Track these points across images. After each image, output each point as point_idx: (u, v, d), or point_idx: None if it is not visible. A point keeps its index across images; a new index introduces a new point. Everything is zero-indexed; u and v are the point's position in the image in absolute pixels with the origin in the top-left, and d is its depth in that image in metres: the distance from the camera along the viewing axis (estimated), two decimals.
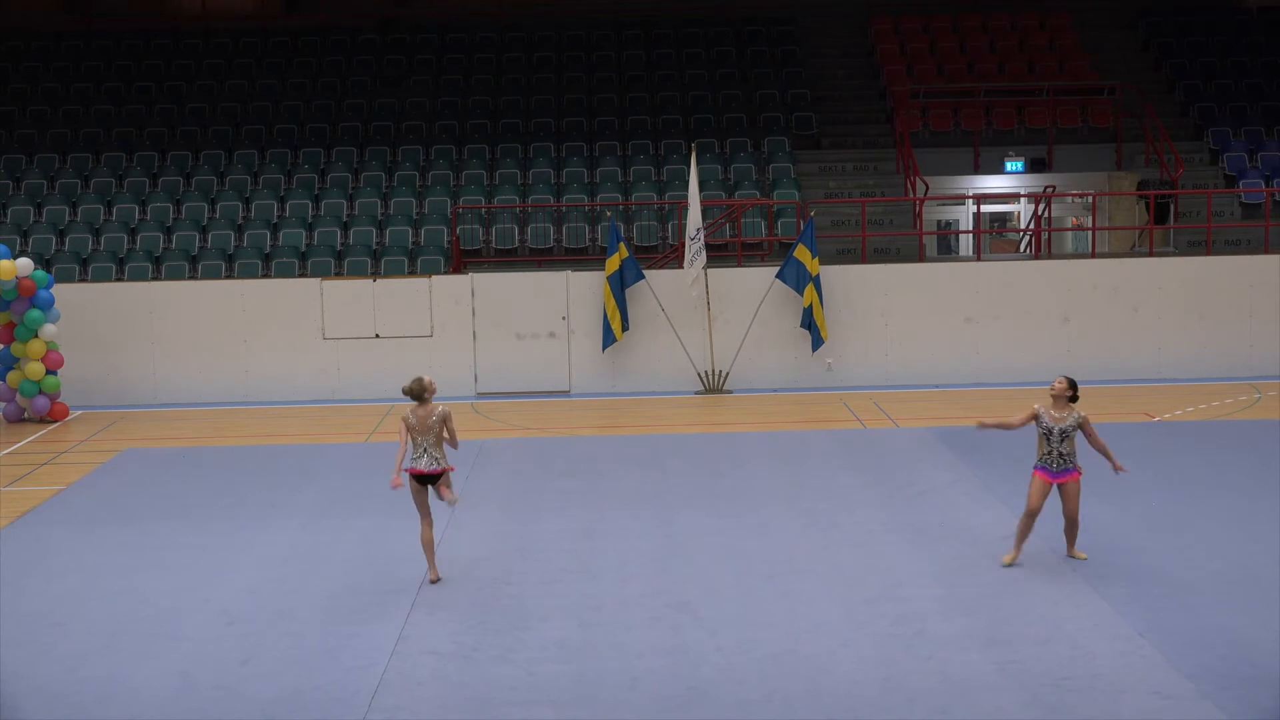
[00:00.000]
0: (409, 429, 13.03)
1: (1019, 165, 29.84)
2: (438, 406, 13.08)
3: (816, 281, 23.89)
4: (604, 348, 24.30)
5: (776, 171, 28.83)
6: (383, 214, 28.04)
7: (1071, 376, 13.43)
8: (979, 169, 29.93)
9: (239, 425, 22.40)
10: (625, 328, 24.11)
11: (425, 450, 13.02)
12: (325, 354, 24.42)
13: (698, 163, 24.95)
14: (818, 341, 24.12)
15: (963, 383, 24.39)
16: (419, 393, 13.05)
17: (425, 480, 13.06)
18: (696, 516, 15.65)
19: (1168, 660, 10.84)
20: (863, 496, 16.41)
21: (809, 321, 24.03)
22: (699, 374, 24.38)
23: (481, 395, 24.52)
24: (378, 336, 24.42)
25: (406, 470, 13.06)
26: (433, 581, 13.19)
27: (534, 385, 24.49)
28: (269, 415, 23.24)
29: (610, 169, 29.21)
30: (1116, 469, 13.34)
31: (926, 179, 27.45)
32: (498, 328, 24.49)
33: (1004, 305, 24.64)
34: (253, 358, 24.40)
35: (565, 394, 24.51)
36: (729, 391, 24.37)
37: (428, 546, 13.26)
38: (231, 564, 14.17)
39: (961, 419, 21.38)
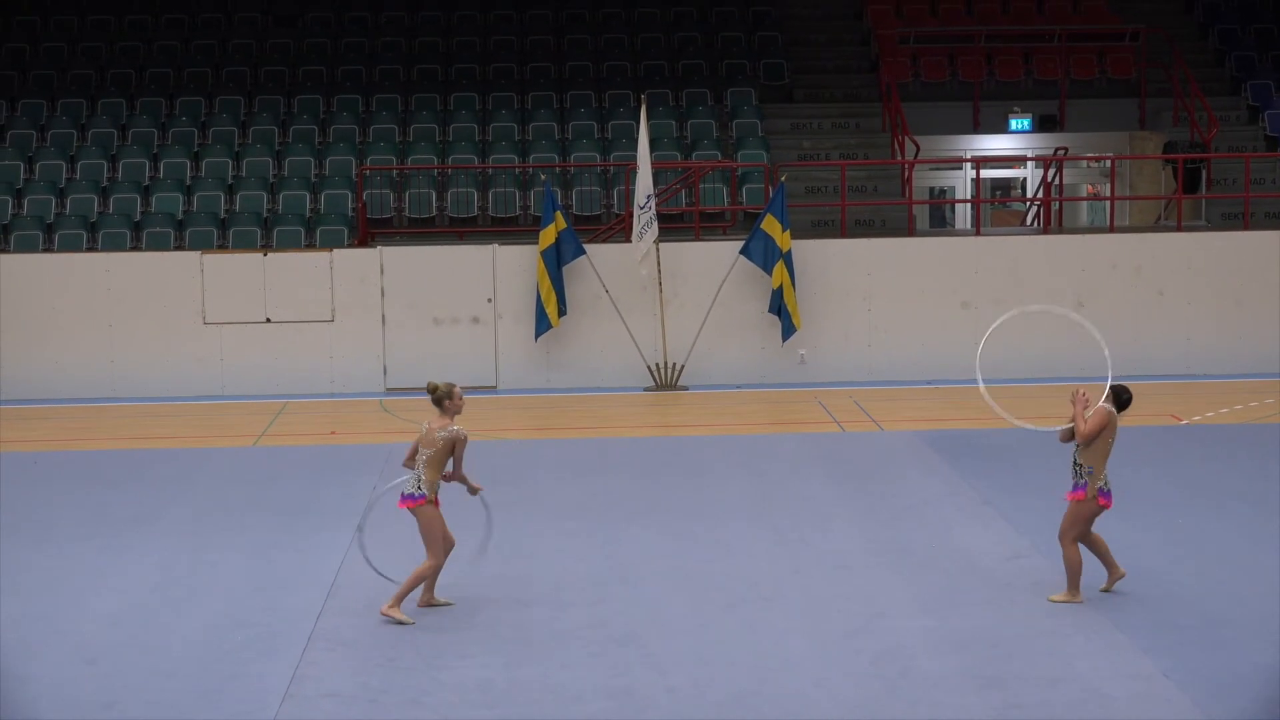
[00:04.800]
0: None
1: (1025, 123, 29.98)
2: (452, 424, 13.21)
3: (787, 258, 23.93)
4: (537, 336, 24.27)
5: (741, 129, 28.86)
6: (275, 176, 27.89)
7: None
8: (979, 127, 30.06)
9: (102, 426, 22.23)
10: (562, 312, 24.08)
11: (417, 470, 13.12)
12: (206, 341, 24.28)
13: (648, 118, 24.93)
14: (789, 329, 24.17)
15: (958, 378, 24.45)
16: (442, 397, 13.25)
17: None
18: (645, 535, 15.64)
19: (1195, 704, 10.91)
20: (840, 512, 16.44)
21: (778, 306, 24.06)
22: (649, 367, 24.38)
23: (391, 391, 24.45)
24: (269, 321, 24.30)
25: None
26: (392, 617, 13.07)
27: (454, 379, 24.26)
28: (138, 414, 23.08)
29: (545, 124, 29.15)
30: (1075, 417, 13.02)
31: (917, 139, 27.53)
32: (411, 311, 24.42)
33: (1007, 288, 24.74)
34: (119, 346, 24.24)
35: (491, 390, 24.46)
36: (684, 388, 24.39)
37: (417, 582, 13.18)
38: (92, 590, 14.05)
39: (956, 421, 21.47)
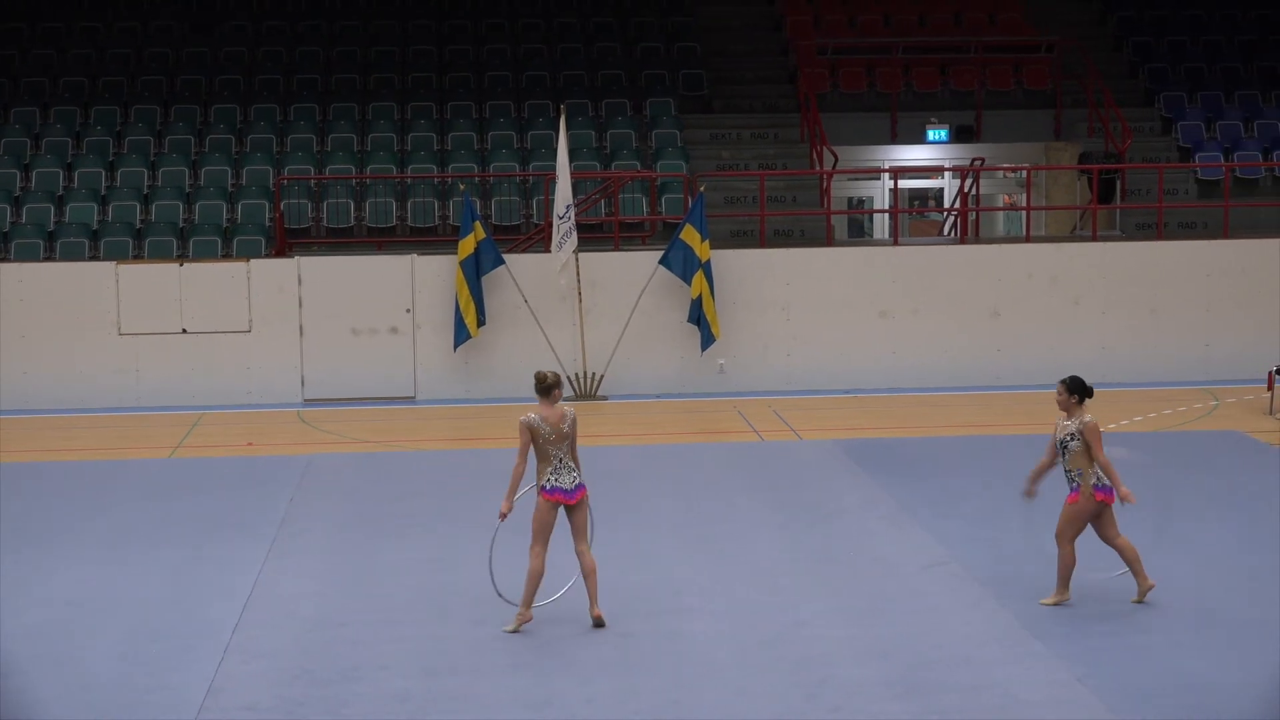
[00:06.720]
0: (538, 437, 12.84)
1: (943, 134, 30.20)
2: (566, 408, 12.97)
3: (707, 268, 24.00)
4: (456, 346, 24.22)
5: (660, 139, 28.91)
6: (191, 185, 27.72)
7: (1077, 376, 13.46)
8: (896, 138, 30.24)
9: (14, 438, 22.01)
10: (481, 322, 24.05)
11: (562, 463, 12.90)
12: (121, 352, 24.09)
13: (568, 128, 24.96)
14: (708, 339, 24.23)
15: (877, 387, 24.62)
16: (552, 386, 12.97)
17: (562, 503, 12.94)
18: (565, 544, 15.64)
19: (1110, 709, 11.02)
20: (759, 520, 16.49)
21: (698, 315, 24.12)
22: (568, 377, 24.38)
23: (310, 402, 24.35)
24: (185, 332, 24.15)
25: (547, 493, 12.87)
26: (514, 630, 12.94)
27: (373, 390, 24.36)
28: (52, 426, 22.88)
29: (464, 134, 29.12)
30: (1122, 498, 13.15)
31: (835, 149, 27.67)
32: (329, 321, 24.32)
33: (925, 297, 24.91)
34: (32, 357, 24.01)
35: (410, 400, 24.40)
36: (604, 398, 24.41)
37: (536, 579, 13.01)
38: (8, 604, 13.92)
39: (875, 430, 21.61)
